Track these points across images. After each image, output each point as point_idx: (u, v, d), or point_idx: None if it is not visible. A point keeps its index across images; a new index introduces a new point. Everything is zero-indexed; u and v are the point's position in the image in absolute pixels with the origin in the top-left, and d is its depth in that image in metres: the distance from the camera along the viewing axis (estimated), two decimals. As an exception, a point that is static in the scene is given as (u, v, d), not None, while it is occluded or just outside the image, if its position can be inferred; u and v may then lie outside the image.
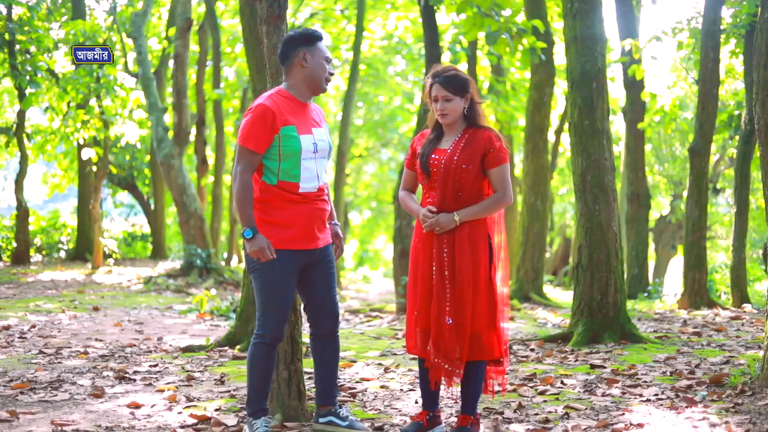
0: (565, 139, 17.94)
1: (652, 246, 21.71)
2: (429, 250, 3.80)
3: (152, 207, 20.20)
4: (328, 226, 3.91)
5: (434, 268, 3.76)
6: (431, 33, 11.09)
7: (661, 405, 4.24)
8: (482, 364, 3.84)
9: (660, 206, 22.88)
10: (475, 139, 3.81)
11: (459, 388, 3.89)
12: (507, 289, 3.92)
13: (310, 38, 3.77)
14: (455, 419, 4.12)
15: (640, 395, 4.50)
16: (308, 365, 4.45)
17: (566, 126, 15.41)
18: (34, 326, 7.73)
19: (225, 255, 19.30)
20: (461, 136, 3.83)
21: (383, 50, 21.38)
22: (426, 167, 3.84)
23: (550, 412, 4.21)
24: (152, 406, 4.54)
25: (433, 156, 3.83)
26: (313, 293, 3.87)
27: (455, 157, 3.77)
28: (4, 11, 12.85)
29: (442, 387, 3.89)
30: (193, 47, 17.77)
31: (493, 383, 3.93)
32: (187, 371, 5.61)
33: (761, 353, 4.55)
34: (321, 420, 3.90)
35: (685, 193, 13.46)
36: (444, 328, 3.70)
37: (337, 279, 3.96)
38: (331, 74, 3.84)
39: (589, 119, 6.59)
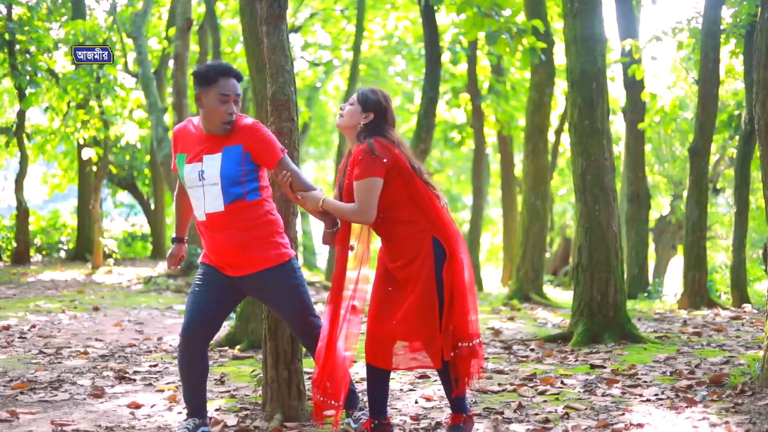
0: (565, 139, 17.94)
1: (652, 246, 21.70)
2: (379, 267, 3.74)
3: (152, 207, 20.20)
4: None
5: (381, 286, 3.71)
6: (431, 33, 11.09)
7: (661, 405, 4.24)
8: (445, 365, 3.68)
9: (660, 206, 22.88)
10: (351, 159, 3.71)
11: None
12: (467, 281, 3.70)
13: (203, 79, 3.69)
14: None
15: (640, 395, 4.50)
16: (308, 365, 4.45)
17: (566, 126, 15.41)
18: (34, 326, 7.73)
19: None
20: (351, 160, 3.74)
21: (383, 50, 21.38)
22: (341, 198, 3.80)
23: (550, 412, 4.21)
24: (152, 406, 4.54)
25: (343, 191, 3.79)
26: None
27: (348, 184, 3.70)
28: (4, 11, 12.85)
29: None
30: (193, 47, 17.77)
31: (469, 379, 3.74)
32: (187, 371, 5.61)
33: (761, 353, 4.55)
34: (345, 420, 3.99)
35: (685, 193, 13.46)
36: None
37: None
38: (230, 114, 3.67)
39: (589, 119, 6.60)
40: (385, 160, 3.62)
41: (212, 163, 3.69)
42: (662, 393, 4.52)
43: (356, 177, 3.62)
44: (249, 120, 3.76)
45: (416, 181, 3.68)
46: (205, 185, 3.70)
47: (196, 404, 3.83)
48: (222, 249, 3.73)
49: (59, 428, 4.02)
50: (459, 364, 3.66)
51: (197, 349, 3.77)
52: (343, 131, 3.84)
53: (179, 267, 3.93)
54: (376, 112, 3.75)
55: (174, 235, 4.05)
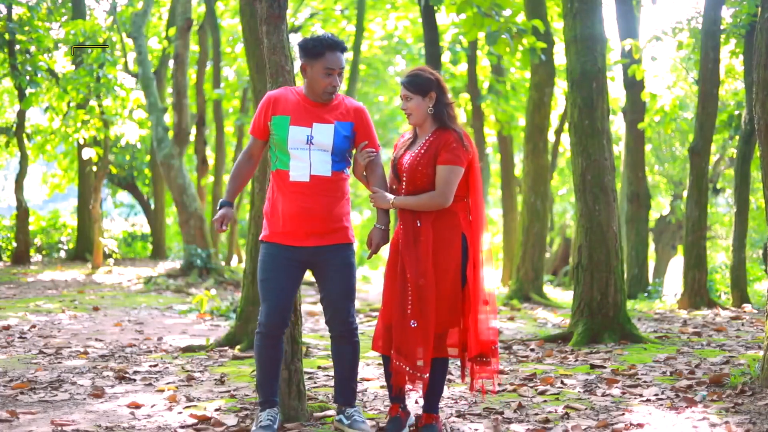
0: (565, 139, 17.94)
1: (652, 246, 21.71)
2: (396, 248, 3.82)
3: (152, 207, 20.21)
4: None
5: (399, 268, 3.75)
6: (431, 33, 11.10)
7: (661, 405, 4.24)
8: (444, 362, 3.81)
9: (660, 206, 22.88)
10: (437, 141, 3.78)
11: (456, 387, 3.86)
12: (490, 286, 3.82)
13: (310, 52, 3.79)
14: (457, 419, 4.13)
15: (640, 395, 4.51)
16: (308, 365, 4.45)
17: (566, 126, 15.40)
18: (34, 326, 7.73)
19: (229, 254, 19.31)
20: (427, 139, 3.81)
21: (383, 50, 21.38)
22: (396, 170, 3.87)
23: (550, 412, 4.21)
24: (152, 406, 4.54)
25: (402, 159, 3.84)
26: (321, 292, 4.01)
27: (417, 160, 3.77)
28: (4, 11, 12.86)
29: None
30: (193, 47, 17.77)
31: (483, 383, 3.86)
32: (187, 371, 5.61)
33: (761, 353, 4.55)
34: (336, 417, 3.98)
35: (685, 193, 13.46)
36: (407, 331, 3.65)
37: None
38: (333, 86, 3.81)
39: (589, 119, 6.60)
40: (470, 155, 3.77)
41: (324, 132, 3.82)
42: (662, 393, 4.52)
43: (443, 161, 3.72)
44: (360, 104, 3.99)
45: (477, 181, 3.83)
46: (312, 149, 3.80)
47: (272, 390, 3.88)
48: (311, 215, 3.79)
49: (59, 428, 4.02)
50: (482, 366, 3.80)
51: (276, 336, 3.86)
52: (419, 126, 3.88)
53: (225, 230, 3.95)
54: (435, 90, 3.80)
55: (225, 199, 3.97)
